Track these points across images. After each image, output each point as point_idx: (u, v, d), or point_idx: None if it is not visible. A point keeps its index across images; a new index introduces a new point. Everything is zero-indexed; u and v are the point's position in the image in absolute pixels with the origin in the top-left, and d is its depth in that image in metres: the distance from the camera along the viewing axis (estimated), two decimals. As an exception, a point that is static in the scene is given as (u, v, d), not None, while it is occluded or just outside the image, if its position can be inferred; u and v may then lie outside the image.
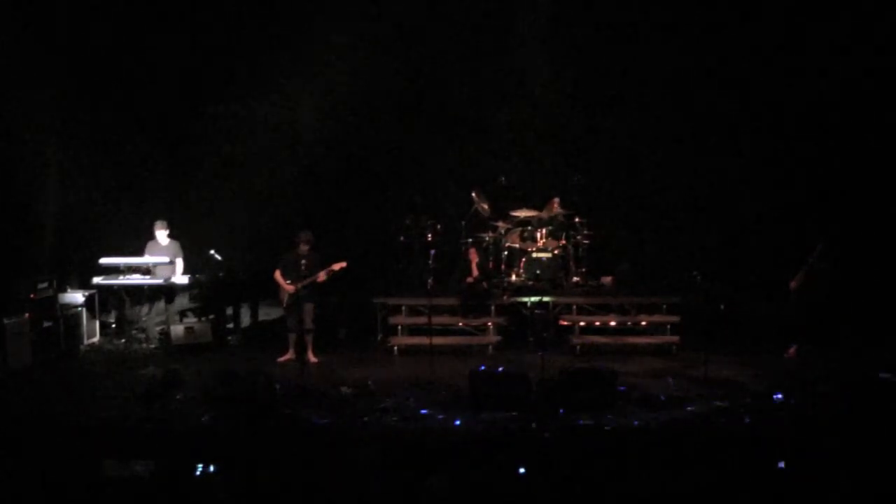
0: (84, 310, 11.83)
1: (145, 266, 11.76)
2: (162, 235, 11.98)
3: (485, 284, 11.99)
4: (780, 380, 9.40)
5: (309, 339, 10.96)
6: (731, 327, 11.04)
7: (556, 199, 12.53)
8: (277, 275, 10.98)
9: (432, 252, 12.15)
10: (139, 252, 11.92)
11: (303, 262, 10.82)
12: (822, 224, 10.95)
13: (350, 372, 10.28)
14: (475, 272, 12.08)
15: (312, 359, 10.87)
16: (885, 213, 12.12)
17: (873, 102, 12.23)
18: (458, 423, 8.19)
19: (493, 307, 11.84)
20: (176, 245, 12.05)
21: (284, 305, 11.07)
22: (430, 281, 11.42)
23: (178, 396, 8.92)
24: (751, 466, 7.14)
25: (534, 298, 11.62)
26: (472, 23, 13.14)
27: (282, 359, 10.92)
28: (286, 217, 12.76)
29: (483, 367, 9.16)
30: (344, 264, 10.74)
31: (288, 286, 10.87)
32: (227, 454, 7.44)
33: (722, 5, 12.52)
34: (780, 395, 8.79)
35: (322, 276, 10.74)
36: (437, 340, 10.83)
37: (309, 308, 10.94)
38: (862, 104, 12.27)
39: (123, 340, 11.91)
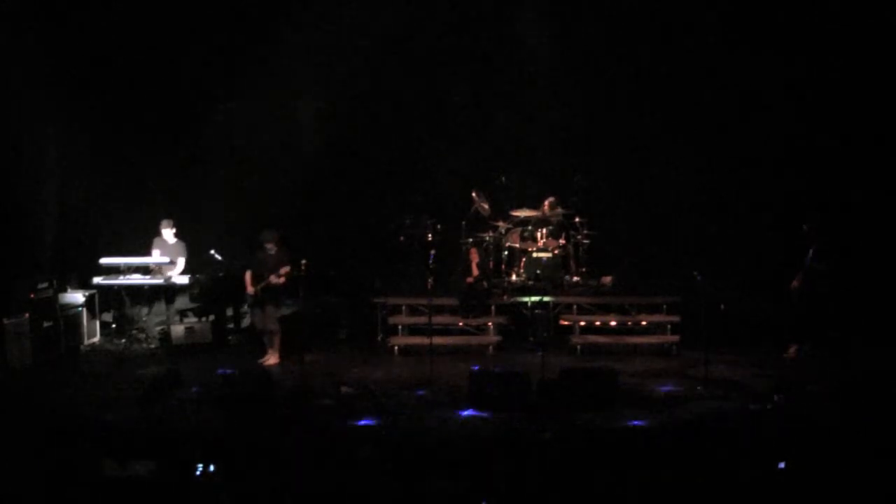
0: (84, 310, 11.84)
1: (145, 266, 11.76)
2: (169, 234, 11.98)
3: (485, 284, 11.99)
4: (780, 380, 9.40)
5: (269, 340, 10.88)
6: (731, 327, 11.03)
7: (548, 200, 12.45)
8: (247, 276, 10.92)
9: (432, 252, 12.14)
10: (143, 250, 11.92)
11: (267, 262, 10.74)
12: (819, 225, 10.93)
13: (350, 372, 10.29)
14: (475, 272, 12.07)
15: (270, 360, 10.77)
16: (884, 212, 12.12)
17: (873, 102, 12.22)
18: (457, 423, 8.19)
19: (493, 307, 11.83)
20: (182, 246, 12.05)
21: (248, 305, 11.08)
22: (430, 281, 11.41)
23: (177, 396, 8.92)
24: (751, 466, 7.14)
25: (534, 298, 11.64)
26: (472, 22, 13.14)
27: (262, 359, 10.86)
28: (286, 217, 12.73)
29: (483, 367, 9.16)
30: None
31: (248, 288, 10.84)
32: (227, 454, 7.44)
33: (720, 4, 12.51)
34: (780, 395, 8.78)
35: (274, 279, 10.61)
36: (437, 340, 10.82)
37: (270, 310, 10.81)
38: (861, 103, 12.25)
39: (123, 340, 11.91)
